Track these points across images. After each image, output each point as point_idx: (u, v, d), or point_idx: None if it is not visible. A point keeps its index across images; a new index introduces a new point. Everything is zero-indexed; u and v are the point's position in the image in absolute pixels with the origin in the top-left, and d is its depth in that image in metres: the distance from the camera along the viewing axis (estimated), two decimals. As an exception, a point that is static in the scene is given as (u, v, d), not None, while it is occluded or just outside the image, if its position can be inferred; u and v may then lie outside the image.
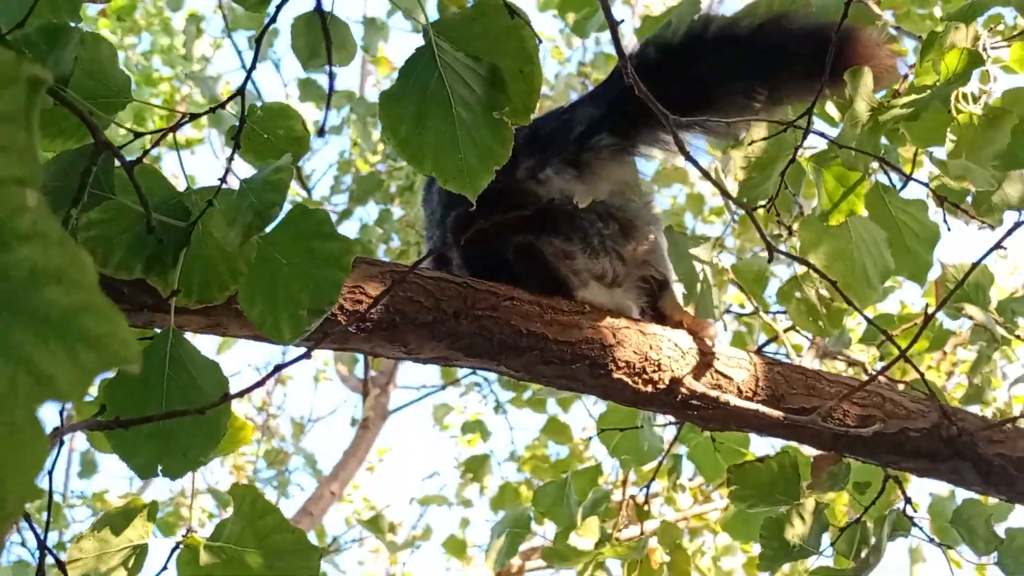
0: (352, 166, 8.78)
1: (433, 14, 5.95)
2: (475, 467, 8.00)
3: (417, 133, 1.67)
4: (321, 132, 1.43)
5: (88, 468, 8.53)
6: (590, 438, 7.59)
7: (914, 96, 2.32)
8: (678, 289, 2.45)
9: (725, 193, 2.05)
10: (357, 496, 10.68)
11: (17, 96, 0.79)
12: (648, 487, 3.70)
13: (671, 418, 3.40)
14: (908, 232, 2.56)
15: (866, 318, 2.26)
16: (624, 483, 4.46)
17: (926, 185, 2.37)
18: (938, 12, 3.43)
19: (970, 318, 2.86)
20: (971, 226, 2.57)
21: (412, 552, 9.55)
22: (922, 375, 2.30)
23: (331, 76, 1.35)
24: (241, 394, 1.63)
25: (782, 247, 2.93)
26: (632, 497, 3.80)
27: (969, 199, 2.54)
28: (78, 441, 8.79)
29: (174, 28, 9.34)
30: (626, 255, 2.45)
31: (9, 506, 0.80)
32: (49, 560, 1.85)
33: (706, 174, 1.90)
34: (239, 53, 7.67)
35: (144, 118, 7.71)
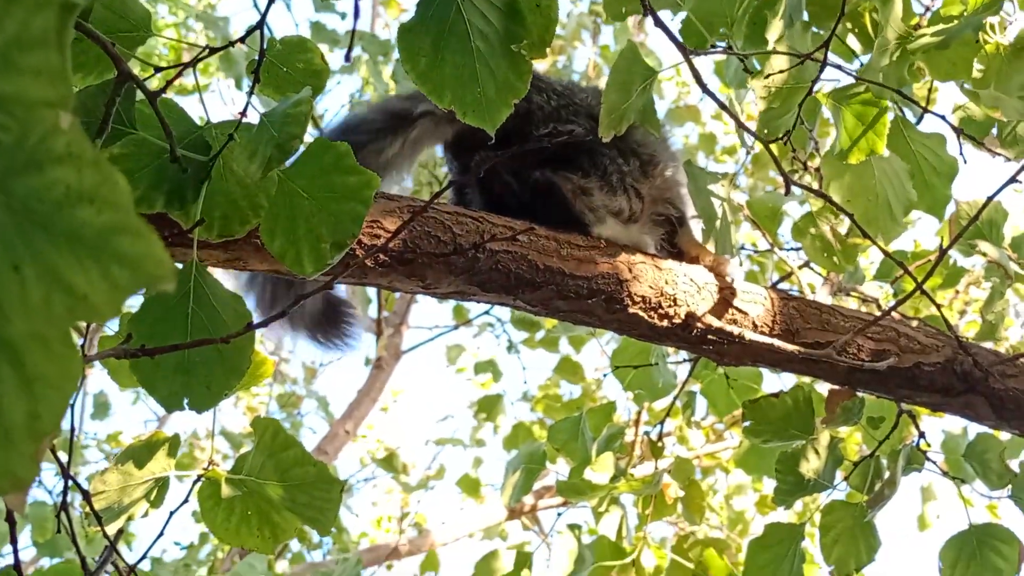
0: (364, 106, 8.76)
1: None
2: (488, 407, 8.02)
3: (436, 66, 1.67)
4: (347, 57, 1.42)
5: (101, 409, 8.56)
6: (603, 376, 7.62)
7: (943, 25, 2.31)
8: (695, 225, 2.45)
9: (741, 124, 2.04)
10: (371, 436, 10.74)
11: (49, 19, 0.79)
12: (662, 424, 3.72)
13: (685, 355, 3.42)
14: (927, 166, 2.56)
15: (883, 250, 2.27)
16: (637, 421, 4.49)
17: (944, 119, 2.37)
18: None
19: (983, 255, 2.86)
20: (986, 163, 2.57)
21: (426, 492, 9.60)
22: (939, 307, 2.31)
23: (357, 11, 1.35)
24: (263, 323, 1.64)
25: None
26: (646, 433, 3.82)
27: (994, 131, 2.54)
28: (91, 383, 8.82)
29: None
30: (644, 191, 2.46)
31: (45, 422, 0.81)
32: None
33: (723, 107, 1.90)
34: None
35: (151, 58, 7.68)
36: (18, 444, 0.81)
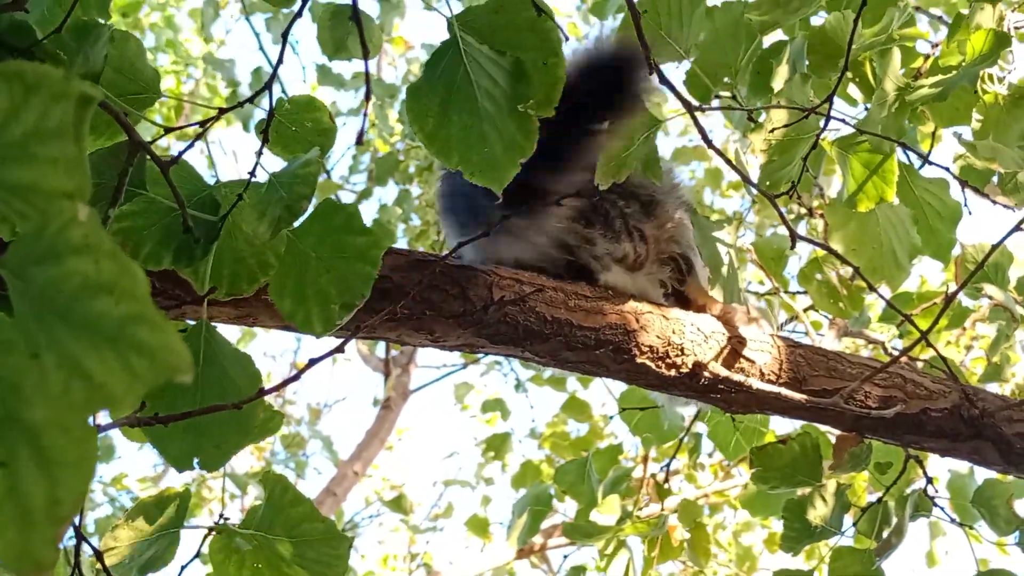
0: (370, 146, 8.80)
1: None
2: (496, 445, 8.03)
3: (443, 126, 1.69)
4: (359, 140, 1.44)
5: (106, 452, 8.58)
6: (610, 417, 7.62)
7: (941, 76, 2.33)
8: (703, 274, 2.47)
9: (746, 179, 2.06)
10: (377, 475, 10.74)
11: (67, 111, 0.81)
12: (668, 465, 3.73)
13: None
14: (931, 211, 2.58)
15: (887, 302, 2.28)
16: (645, 460, 4.49)
17: (947, 169, 2.39)
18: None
19: (990, 298, 2.88)
20: (988, 205, 2.58)
21: (434, 532, 9.59)
22: (943, 358, 2.31)
23: (367, 80, 1.37)
24: (276, 388, 1.65)
25: (801, 227, 2.95)
26: (653, 475, 3.83)
27: (995, 180, 2.56)
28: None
29: (177, 24, 9.35)
30: (648, 233, 2.47)
31: (66, 506, 0.82)
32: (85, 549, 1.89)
33: (727, 160, 1.91)
34: (257, 36, 7.69)
35: (154, 110, 7.71)
36: (39, 528, 0.82)
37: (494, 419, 8.94)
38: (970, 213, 2.46)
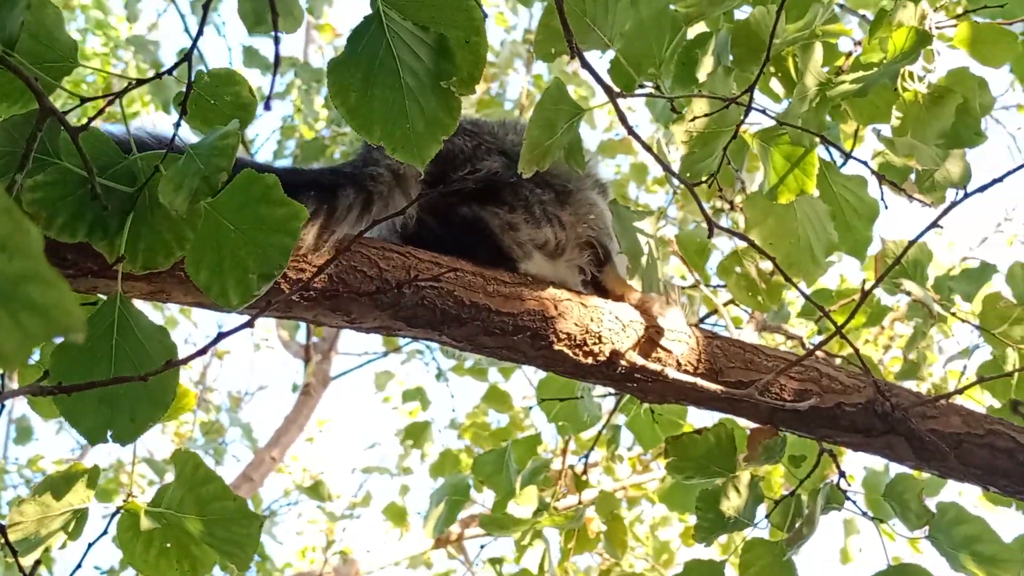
0: (295, 131, 8.74)
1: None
2: (416, 434, 7.99)
3: (365, 101, 1.67)
4: (267, 105, 1.42)
5: (24, 434, 8.49)
6: (530, 408, 7.63)
7: (862, 73, 2.34)
8: (620, 263, 2.47)
9: (667, 168, 2.06)
10: (296, 466, 10.69)
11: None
12: (587, 456, 3.73)
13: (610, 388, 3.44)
14: (848, 208, 2.59)
15: (804, 296, 2.29)
16: (564, 452, 4.49)
17: (866, 164, 2.40)
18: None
19: (908, 294, 2.90)
20: (908, 204, 2.60)
21: (352, 520, 9.57)
22: (857, 352, 2.33)
23: (276, 43, 1.35)
24: (186, 360, 1.63)
25: (723, 220, 2.96)
26: (571, 467, 3.83)
27: (912, 177, 2.57)
28: (14, 408, 8.74)
29: (108, 6, 9.24)
30: (565, 220, 2.47)
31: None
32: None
33: (648, 149, 1.91)
34: (183, 18, 7.60)
35: (79, 87, 7.63)
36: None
37: (416, 411, 8.92)
38: (886, 207, 2.48)
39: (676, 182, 3.36)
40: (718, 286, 3.94)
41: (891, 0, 2.45)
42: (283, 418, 8.65)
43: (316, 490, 8.92)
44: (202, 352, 1.57)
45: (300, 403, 8.69)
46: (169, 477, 2.01)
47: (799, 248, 2.44)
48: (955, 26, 2.57)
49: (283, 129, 8.64)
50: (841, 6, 2.85)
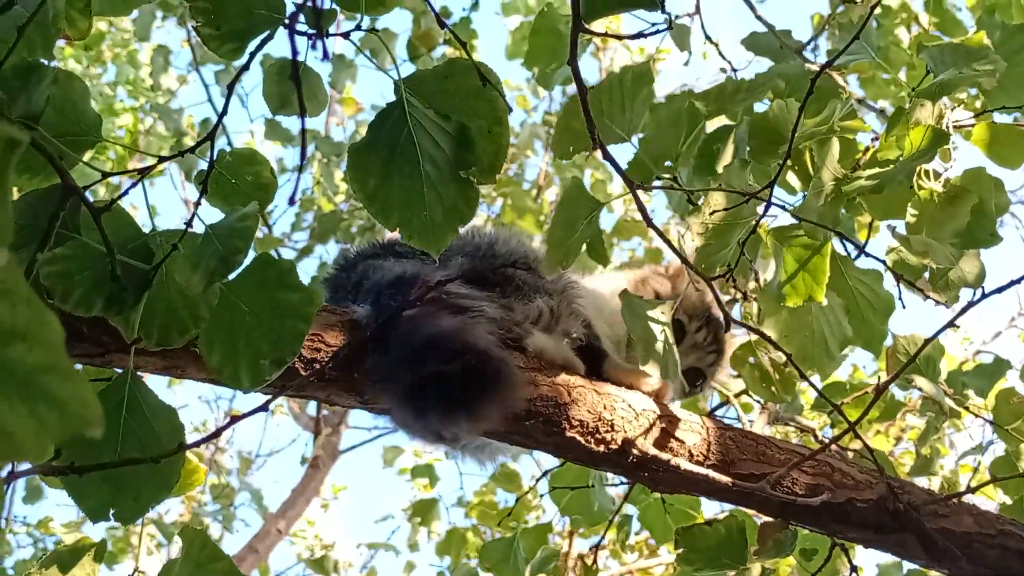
0: (314, 204, 8.78)
1: (402, 53, 5.89)
2: (423, 511, 7.96)
3: (384, 188, 1.68)
4: (292, 200, 1.42)
5: (33, 494, 8.44)
6: (538, 489, 7.58)
7: (878, 169, 2.35)
8: (614, 351, 2.48)
9: (684, 260, 2.06)
10: (306, 535, 10.62)
11: (-8, 154, 0.79)
12: (597, 545, 3.70)
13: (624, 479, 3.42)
14: (864, 302, 2.59)
15: (817, 390, 2.28)
16: (571, 535, 4.46)
17: (882, 262, 2.40)
18: (903, 76, 3.47)
19: (920, 390, 2.89)
20: (924, 300, 2.60)
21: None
22: (870, 449, 2.31)
23: (303, 136, 1.36)
24: (196, 444, 1.63)
25: (736, 310, 2.96)
26: (581, 555, 3.81)
27: (926, 275, 2.57)
28: (24, 465, 8.70)
29: (140, 61, 9.32)
30: (548, 287, 2.48)
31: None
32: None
33: (666, 240, 1.91)
34: (206, 87, 7.67)
35: (106, 147, 7.69)
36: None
37: (429, 486, 8.88)
38: (903, 307, 2.47)
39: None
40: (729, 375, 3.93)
41: (909, 98, 2.46)
42: (291, 490, 8.63)
43: (321, 564, 8.87)
44: (213, 436, 1.57)
45: (308, 476, 8.65)
46: (177, 541, 2.00)
47: (813, 342, 2.44)
48: (973, 124, 2.58)
49: (302, 201, 8.68)
50: (860, 100, 2.87)
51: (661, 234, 1.91)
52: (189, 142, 7.21)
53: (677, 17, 3.74)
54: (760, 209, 2.21)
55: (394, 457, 9.13)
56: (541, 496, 3.43)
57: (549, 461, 3.57)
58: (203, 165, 1.82)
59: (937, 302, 2.50)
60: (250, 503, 9.79)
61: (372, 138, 1.69)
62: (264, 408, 1.61)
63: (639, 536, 7.19)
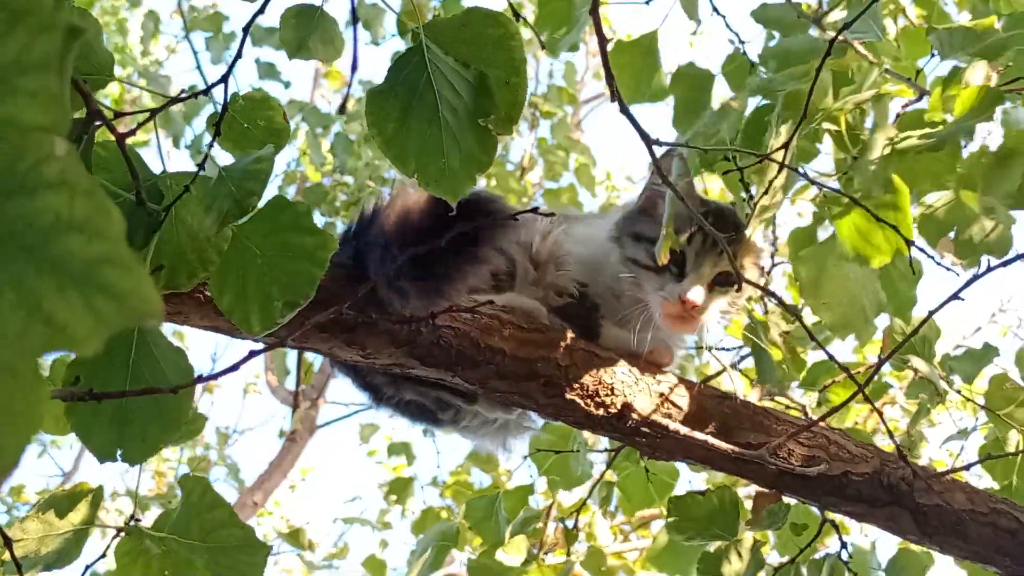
0: (297, 176, 8.75)
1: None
2: (399, 489, 7.95)
3: (402, 133, 1.66)
4: (343, 109, 1.41)
5: (7, 461, 8.40)
6: (524, 458, 7.59)
7: (930, 130, 2.35)
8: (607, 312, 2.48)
9: (701, 222, 2.05)
10: (278, 511, 10.62)
11: (53, 42, 0.78)
12: (577, 512, 3.71)
13: (606, 445, 3.42)
14: (895, 271, 2.61)
15: (831, 357, 2.27)
16: (549, 509, 4.45)
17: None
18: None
19: (915, 370, 2.89)
20: (939, 261, 2.60)
21: (329, 571, 9.49)
22: (881, 415, 2.32)
23: (355, 40, 1.34)
24: (212, 377, 1.61)
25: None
26: (562, 520, 3.81)
27: (951, 234, 2.58)
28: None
29: (128, 28, 9.28)
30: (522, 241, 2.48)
31: (7, 455, 0.79)
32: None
33: (683, 200, 1.91)
34: (195, 55, 7.63)
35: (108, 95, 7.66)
36: (-24, 475, 0.78)
37: (401, 467, 8.87)
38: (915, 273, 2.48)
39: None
40: (723, 349, 3.93)
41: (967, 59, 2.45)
42: (268, 463, 8.60)
43: (296, 537, 8.85)
44: (230, 370, 1.55)
45: (285, 449, 8.64)
46: (154, 511, 1.98)
47: (854, 309, 2.45)
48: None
49: (286, 175, 8.66)
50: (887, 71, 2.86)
51: (677, 193, 1.90)
52: (176, 111, 7.17)
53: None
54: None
55: (371, 434, 9.13)
56: (525, 458, 3.42)
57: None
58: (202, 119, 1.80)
59: (948, 268, 2.50)
60: (227, 477, 9.78)
61: (391, 82, 1.67)
62: (284, 343, 1.59)
63: (613, 521, 7.19)
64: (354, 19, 1.48)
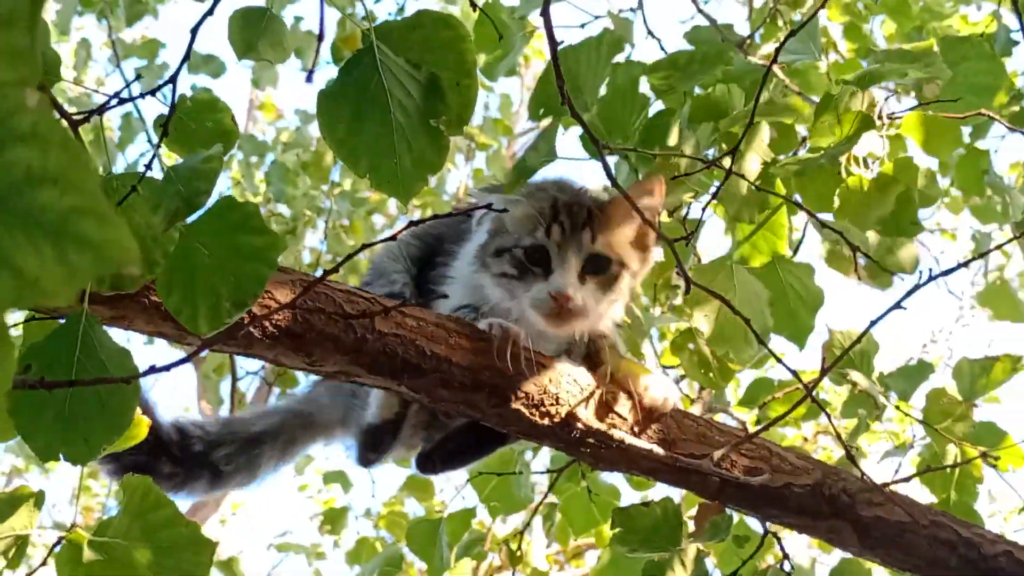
0: (231, 205, 8.68)
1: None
2: (333, 520, 7.89)
3: (354, 133, 1.67)
4: (310, 78, 1.40)
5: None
6: (452, 497, 7.56)
7: (805, 155, 2.39)
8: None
9: (647, 222, 2.07)
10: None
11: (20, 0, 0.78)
12: (522, 534, 3.70)
13: (548, 464, 3.42)
14: (793, 294, 2.63)
15: (776, 358, 2.29)
16: (489, 532, 4.44)
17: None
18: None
19: (854, 384, 2.92)
20: (856, 293, 2.64)
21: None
22: (829, 416, 2.34)
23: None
24: (161, 369, 1.60)
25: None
26: (506, 542, 3.80)
27: (862, 260, 2.61)
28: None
29: (60, 59, 9.20)
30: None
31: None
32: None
33: (635, 206, 1.92)
34: (127, 84, 7.55)
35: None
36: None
37: (331, 501, 8.81)
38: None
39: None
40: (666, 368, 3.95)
41: (840, 86, 2.49)
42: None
43: (229, 567, 8.75)
44: (174, 365, 1.54)
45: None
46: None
47: (733, 326, 2.47)
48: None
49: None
50: (799, 94, 2.90)
51: (627, 196, 1.92)
52: (109, 138, 7.12)
53: (620, 11, 3.78)
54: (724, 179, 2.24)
55: (304, 466, 9.08)
56: (458, 491, 3.43)
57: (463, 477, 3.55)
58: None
59: (872, 284, 2.55)
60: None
61: (342, 83, 1.68)
62: (196, 353, 1.58)
63: (549, 549, 7.19)
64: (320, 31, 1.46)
